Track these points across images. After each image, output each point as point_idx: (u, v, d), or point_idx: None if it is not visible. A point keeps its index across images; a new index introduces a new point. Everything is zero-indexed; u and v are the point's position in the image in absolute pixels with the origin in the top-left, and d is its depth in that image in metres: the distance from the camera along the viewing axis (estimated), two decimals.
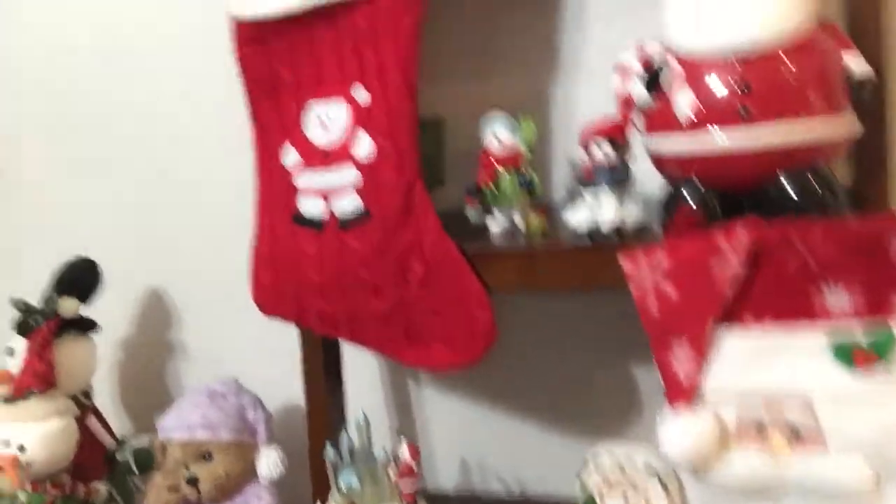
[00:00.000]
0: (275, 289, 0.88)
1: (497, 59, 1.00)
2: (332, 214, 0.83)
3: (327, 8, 0.82)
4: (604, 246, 0.75)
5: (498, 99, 1.00)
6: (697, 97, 0.69)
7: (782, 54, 0.67)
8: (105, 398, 1.21)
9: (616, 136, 0.80)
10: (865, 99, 0.70)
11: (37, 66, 1.25)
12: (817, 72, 0.68)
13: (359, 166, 0.81)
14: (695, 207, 0.72)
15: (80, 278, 1.10)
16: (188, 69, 1.15)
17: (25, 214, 1.29)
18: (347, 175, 0.82)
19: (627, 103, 0.76)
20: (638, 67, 0.75)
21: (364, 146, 0.81)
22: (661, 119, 0.74)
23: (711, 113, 0.69)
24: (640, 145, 0.78)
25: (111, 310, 1.16)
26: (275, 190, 0.87)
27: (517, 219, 0.84)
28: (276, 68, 0.86)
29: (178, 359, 1.24)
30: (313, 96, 0.85)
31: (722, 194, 0.73)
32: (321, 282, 0.84)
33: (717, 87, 0.69)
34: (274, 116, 0.87)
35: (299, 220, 0.85)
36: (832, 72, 0.69)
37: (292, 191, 0.86)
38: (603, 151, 0.79)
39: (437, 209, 0.81)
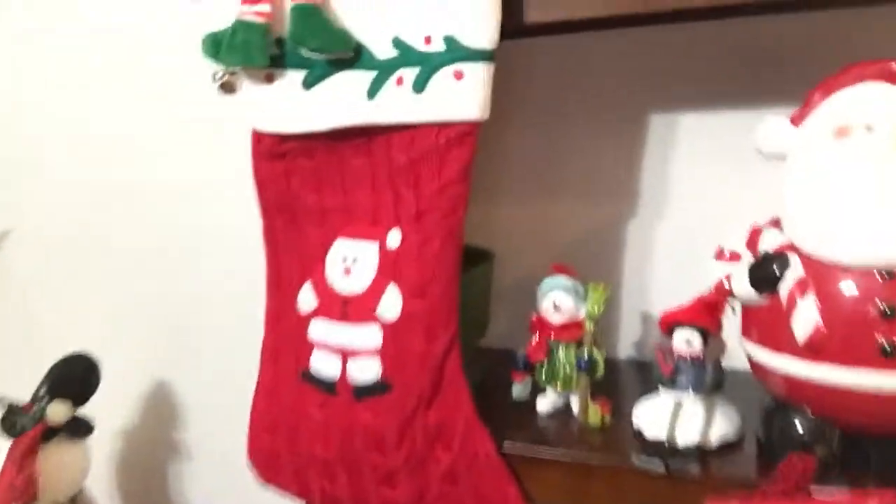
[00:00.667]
0: (273, 454, 0.74)
1: (561, 183, 0.85)
2: (346, 378, 0.68)
3: (360, 132, 0.68)
4: (680, 473, 0.59)
5: (556, 229, 0.85)
6: (825, 316, 0.53)
7: None
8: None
9: (709, 326, 0.63)
10: None
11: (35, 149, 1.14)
12: None
13: (383, 326, 0.67)
14: (807, 450, 0.55)
15: (76, 378, 0.98)
16: (198, 162, 1.03)
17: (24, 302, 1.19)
18: (369, 335, 0.67)
19: (724, 291, 0.60)
20: (747, 255, 0.59)
21: (391, 304, 0.66)
22: (768, 328, 0.57)
23: (843, 342, 0.52)
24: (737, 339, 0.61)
25: (111, 402, 1.04)
26: (284, 335, 0.73)
27: (573, 404, 0.68)
28: (298, 191, 0.72)
29: (182, 459, 1.12)
30: (341, 232, 0.71)
31: (843, 433, 0.56)
32: (326, 457, 0.70)
33: (854, 307, 0.52)
34: (293, 247, 0.73)
35: (308, 377, 0.71)
36: None
37: (304, 341, 0.71)
38: (689, 344, 0.63)
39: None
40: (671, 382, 0.63)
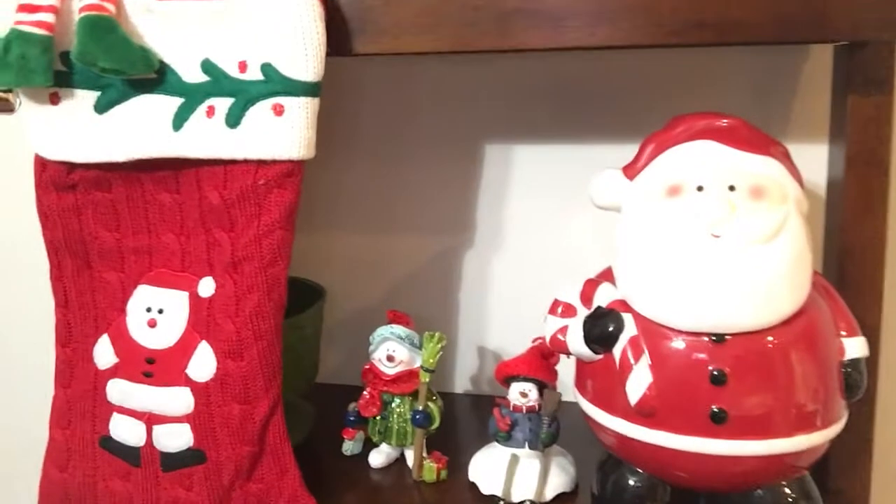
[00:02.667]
0: None
1: (397, 215, 0.80)
2: (152, 446, 0.60)
3: (166, 165, 0.59)
4: None
5: (392, 262, 0.80)
6: (657, 380, 0.52)
7: (771, 341, 0.51)
8: None
9: (544, 377, 0.61)
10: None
11: None
12: (815, 369, 0.52)
13: (194, 388, 0.59)
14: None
15: None
16: None
17: None
18: (177, 398, 0.59)
19: (559, 346, 0.58)
20: (582, 310, 0.57)
21: (203, 363, 0.59)
22: (602, 386, 0.56)
23: (674, 408, 0.51)
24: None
25: None
26: (78, 395, 0.63)
27: (408, 458, 0.65)
28: (92, 228, 0.62)
29: None
30: (144, 278, 0.62)
31: (675, 488, 0.56)
32: None
33: (686, 372, 0.51)
34: (87, 293, 0.63)
35: (107, 445, 0.62)
36: (831, 363, 0.53)
37: (102, 402, 0.62)
38: (525, 397, 0.61)
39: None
40: (507, 437, 0.61)
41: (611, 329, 0.54)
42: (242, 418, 0.58)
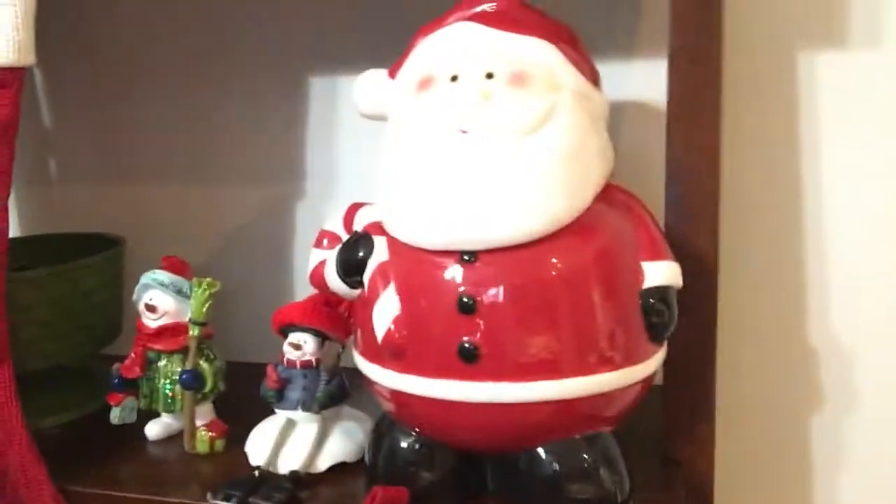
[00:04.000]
0: None
1: (211, 162, 0.72)
2: None
3: None
4: None
5: (214, 215, 0.72)
6: (406, 312, 0.42)
7: (533, 258, 0.41)
8: None
9: (325, 326, 0.52)
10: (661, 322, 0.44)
11: None
12: (597, 295, 0.42)
13: None
14: (413, 475, 0.45)
15: None
16: None
17: None
18: None
19: (320, 283, 0.48)
20: (342, 236, 0.48)
21: None
22: (363, 329, 0.46)
23: (421, 346, 0.42)
24: None
25: None
26: None
27: (185, 429, 0.55)
28: None
29: None
30: None
31: (459, 453, 0.46)
32: None
33: (433, 300, 0.41)
34: None
35: None
36: (623, 291, 0.43)
37: None
38: (298, 349, 0.52)
39: None
40: (278, 397, 0.52)
41: (360, 255, 0.45)
42: None
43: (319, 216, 0.69)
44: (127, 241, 0.66)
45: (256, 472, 0.49)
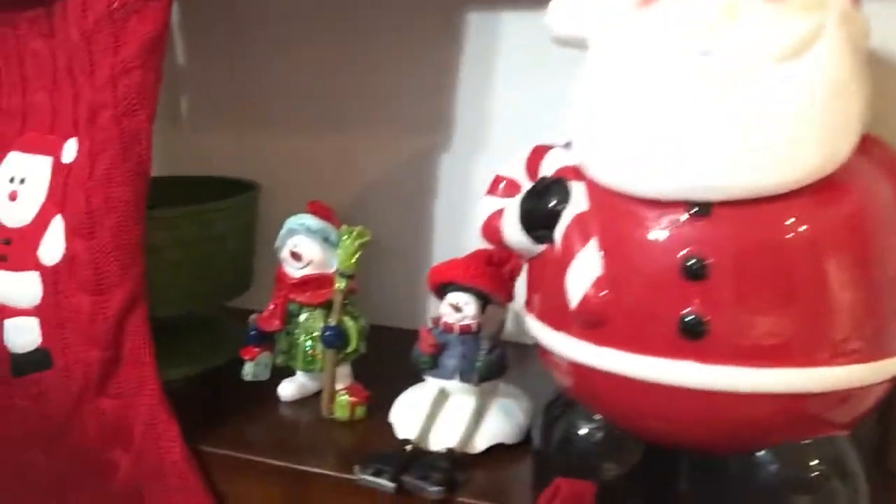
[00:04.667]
0: None
1: (356, 110, 0.66)
2: (4, 346, 0.49)
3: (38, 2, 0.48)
4: (418, 492, 0.41)
5: (353, 166, 0.67)
6: (611, 273, 0.35)
7: (782, 215, 0.33)
8: None
9: (488, 287, 0.46)
10: None
11: None
12: (856, 269, 0.33)
13: (43, 274, 0.47)
14: (592, 469, 0.38)
15: None
16: None
17: None
18: (27, 285, 0.48)
19: (494, 237, 0.42)
20: (525, 183, 0.41)
21: (53, 242, 0.47)
22: (547, 292, 0.39)
23: (632, 314, 0.35)
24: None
25: None
26: None
27: (323, 391, 0.50)
28: None
29: None
30: (14, 145, 0.51)
31: (649, 446, 0.39)
32: None
33: (650, 260, 0.34)
34: None
35: None
36: (883, 267, 0.34)
37: None
38: (458, 311, 0.45)
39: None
40: (431, 364, 0.46)
41: (552, 204, 0.38)
42: (92, 313, 0.46)
43: (466, 170, 0.63)
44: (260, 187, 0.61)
45: (408, 447, 0.43)
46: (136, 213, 0.45)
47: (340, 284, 0.49)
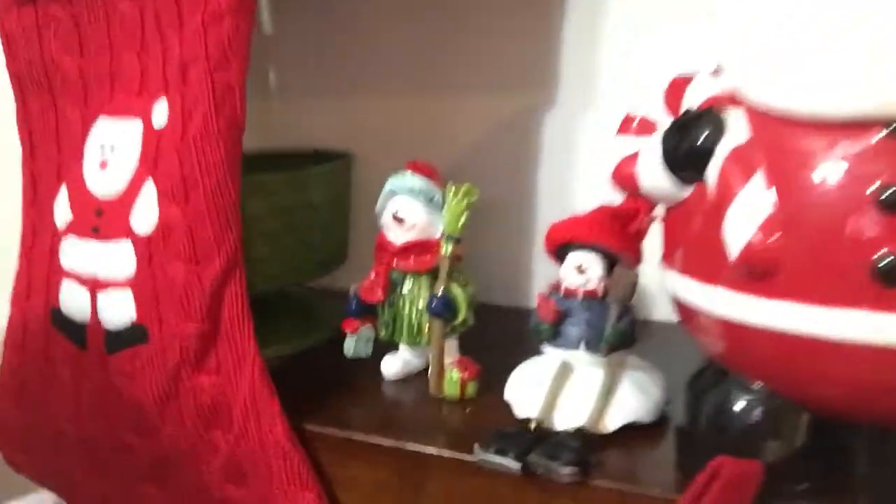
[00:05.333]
0: (22, 430, 0.53)
1: (452, 71, 0.61)
2: (97, 321, 0.47)
3: None
4: (546, 475, 0.36)
5: (450, 130, 0.62)
6: (782, 214, 0.29)
7: None
8: None
9: (616, 246, 0.41)
10: None
11: None
12: None
13: (136, 243, 0.45)
14: (754, 447, 0.33)
15: None
16: None
17: None
18: (120, 255, 0.46)
19: (627, 182, 0.37)
20: (663, 120, 0.36)
21: (145, 209, 0.45)
22: (694, 242, 0.34)
23: (811, 261, 0.29)
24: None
25: None
26: (37, 260, 0.52)
27: (431, 367, 0.46)
28: (54, 53, 0.50)
29: None
30: (104, 109, 0.49)
31: (816, 419, 0.33)
32: (77, 436, 0.49)
33: (832, 195, 0.29)
34: (51, 136, 0.52)
35: (58, 320, 0.50)
36: None
37: (56, 268, 0.50)
38: (583, 274, 0.41)
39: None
40: (553, 333, 0.41)
41: (702, 138, 0.32)
42: (188, 283, 0.43)
43: (572, 127, 0.58)
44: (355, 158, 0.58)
45: (531, 425, 0.39)
46: (232, 173, 0.42)
47: (447, 249, 0.44)
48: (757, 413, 0.34)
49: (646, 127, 0.36)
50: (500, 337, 0.54)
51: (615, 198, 0.42)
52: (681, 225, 0.35)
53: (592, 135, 0.56)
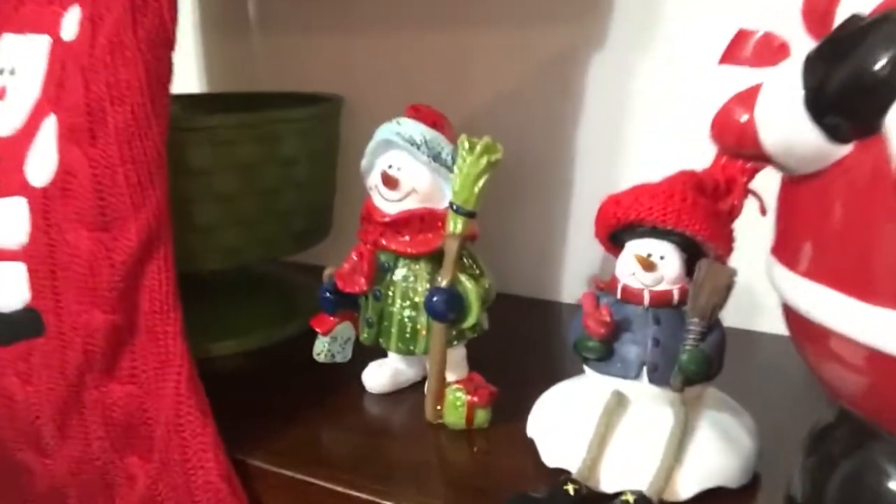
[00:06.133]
0: None
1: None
2: None
3: None
4: None
5: (465, 69, 0.50)
6: None
7: None
8: None
9: (702, 231, 0.28)
10: None
11: None
12: None
13: (31, 199, 0.33)
14: None
15: None
16: None
17: None
18: (11, 214, 0.34)
19: (744, 142, 0.24)
20: (800, 43, 0.23)
21: (43, 153, 0.32)
22: (838, 236, 0.21)
23: None
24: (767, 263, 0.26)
25: None
26: None
27: (428, 384, 0.34)
28: None
29: None
30: (8, 24, 0.37)
31: None
32: None
33: None
34: None
35: None
36: None
37: None
38: (652, 270, 0.28)
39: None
40: (604, 352, 0.29)
41: (883, 60, 0.19)
42: (93, 257, 0.31)
43: (625, 73, 0.45)
44: (346, 102, 0.45)
45: (569, 487, 0.27)
46: (155, 105, 0.30)
47: (457, 225, 0.32)
48: None
49: (771, 50, 0.23)
50: (523, 342, 0.42)
51: (692, 163, 0.29)
52: (821, 205, 0.22)
53: (654, 80, 0.43)
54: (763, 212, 0.30)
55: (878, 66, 0.20)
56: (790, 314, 0.24)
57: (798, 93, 0.21)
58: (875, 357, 0.21)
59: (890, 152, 0.19)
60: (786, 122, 0.22)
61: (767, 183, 0.28)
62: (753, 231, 0.28)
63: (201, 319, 0.33)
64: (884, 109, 0.20)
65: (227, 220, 0.39)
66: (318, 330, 0.36)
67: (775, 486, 0.28)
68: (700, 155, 0.30)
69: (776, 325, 0.28)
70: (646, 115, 0.44)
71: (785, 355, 0.28)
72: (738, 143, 0.24)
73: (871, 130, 0.20)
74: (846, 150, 0.21)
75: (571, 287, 0.48)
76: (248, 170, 0.39)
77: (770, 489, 0.28)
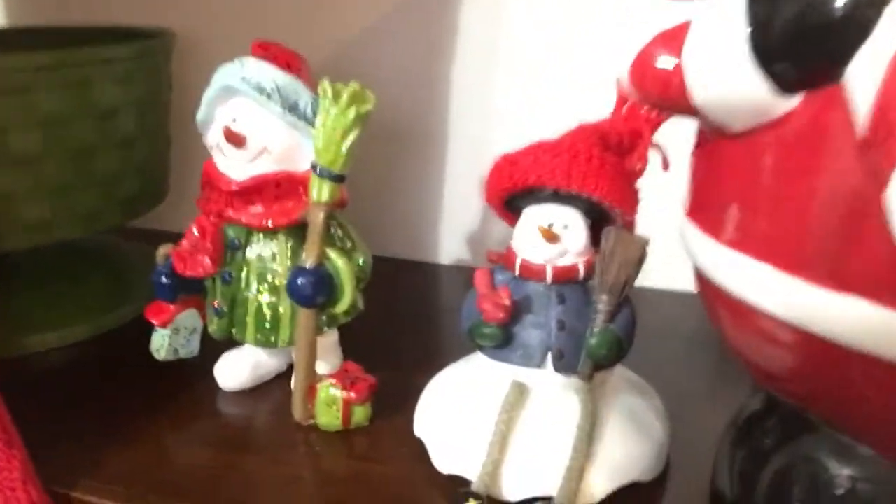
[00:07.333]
0: None
1: None
2: None
3: None
4: None
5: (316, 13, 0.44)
6: None
7: None
8: None
9: (608, 197, 0.24)
10: None
11: None
12: None
13: None
14: None
15: None
16: None
17: None
18: None
19: (670, 92, 0.20)
20: None
21: None
22: (774, 194, 0.18)
23: None
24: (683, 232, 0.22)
25: None
26: None
27: (295, 380, 0.29)
28: None
29: None
30: None
31: None
32: None
33: None
34: None
35: None
36: None
37: None
38: (554, 242, 0.24)
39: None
40: (502, 337, 0.25)
41: (836, 6, 0.16)
42: None
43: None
44: (178, 40, 0.38)
45: (466, 499, 0.23)
46: None
47: (322, 192, 0.27)
48: (859, 495, 0.20)
49: None
50: (402, 315, 0.38)
51: (594, 115, 0.26)
52: (755, 167, 0.19)
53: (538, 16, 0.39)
54: (666, 167, 0.26)
55: (840, 6, 0.16)
56: (706, 286, 0.21)
57: (740, 31, 0.18)
58: (809, 340, 0.19)
59: (853, 108, 0.16)
60: (722, 69, 0.18)
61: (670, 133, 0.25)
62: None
63: (10, 310, 0.26)
64: (847, 55, 0.16)
65: (31, 188, 0.31)
66: (154, 322, 0.29)
67: (681, 478, 0.25)
68: (595, 104, 0.26)
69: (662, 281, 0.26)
70: (544, 58, 0.40)
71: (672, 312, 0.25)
72: (661, 95, 0.20)
73: (826, 80, 0.17)
74: (791, 103, 0.18)
75: (450, 247, 0.44)
76: (54, 125, 0.31)
77: (678, 479, 0.26)
